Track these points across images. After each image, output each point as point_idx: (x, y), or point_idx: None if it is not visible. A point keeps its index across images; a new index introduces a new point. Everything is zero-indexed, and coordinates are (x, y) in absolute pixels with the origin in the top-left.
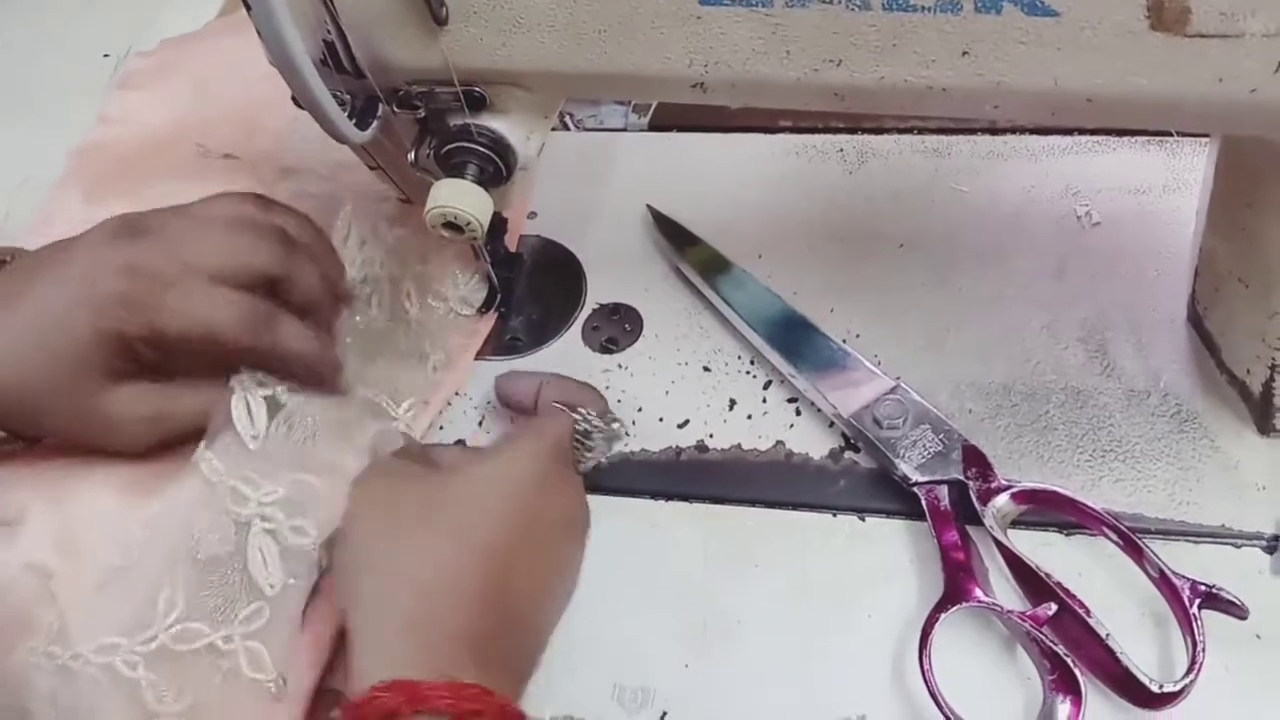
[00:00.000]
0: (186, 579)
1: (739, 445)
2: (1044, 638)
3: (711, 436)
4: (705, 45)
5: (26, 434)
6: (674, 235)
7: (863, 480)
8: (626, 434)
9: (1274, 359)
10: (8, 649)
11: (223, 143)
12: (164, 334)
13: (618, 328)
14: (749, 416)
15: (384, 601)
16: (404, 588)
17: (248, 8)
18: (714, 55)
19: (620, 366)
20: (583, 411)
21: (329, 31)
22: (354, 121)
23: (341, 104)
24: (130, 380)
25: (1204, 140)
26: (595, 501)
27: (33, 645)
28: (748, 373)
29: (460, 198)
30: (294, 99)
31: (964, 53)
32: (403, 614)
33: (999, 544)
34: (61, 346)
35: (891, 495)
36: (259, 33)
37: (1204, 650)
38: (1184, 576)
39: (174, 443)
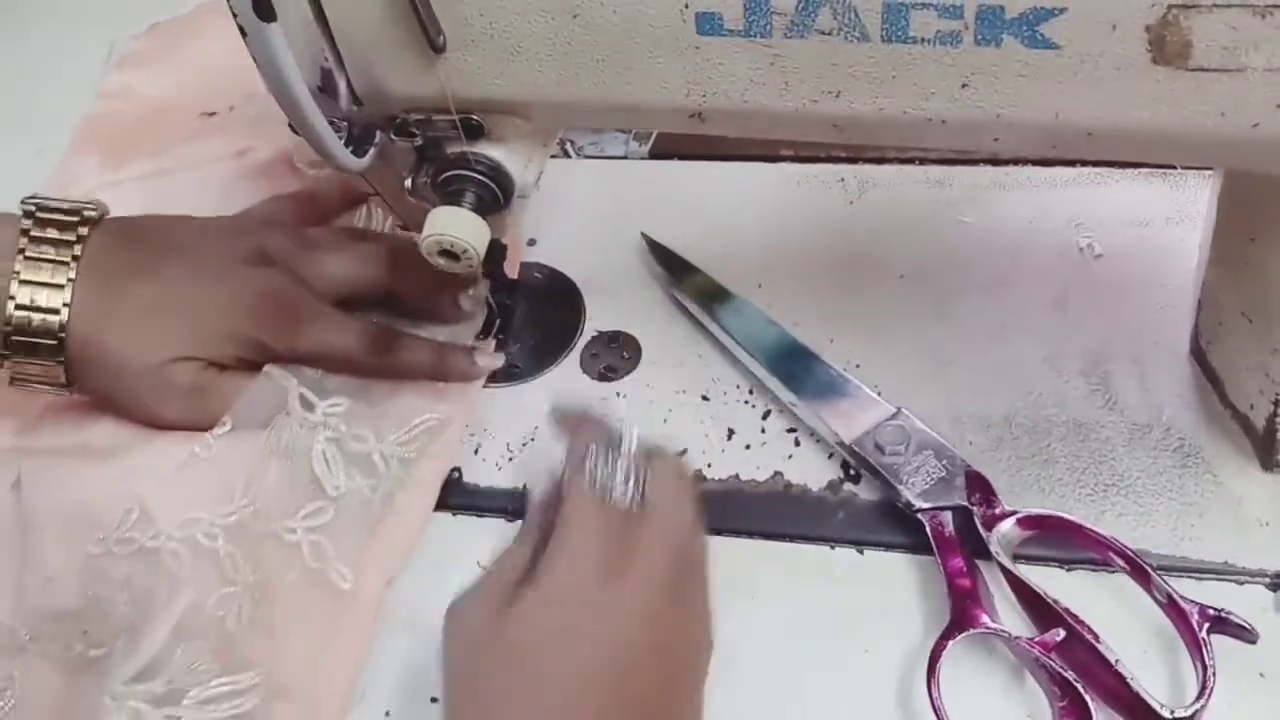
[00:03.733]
0: (261, 470)
1: (737, 475)
2: (1053, 664)
3: (709, 466)
4: (703, 75)
5: (83, 391)
6: (669, 263)
7: (862, 512)
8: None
9: (1277, 394)
10: (79, 546)
11: (225, 105)
12: (298, 353)
13: (616, 355)
14: (747, 446)
15: None
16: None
17: (244, 34)
18: (712, 85)
19: (618, 394)
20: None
21: (326, 59)
22: (351, 149)
23: (338, 131)
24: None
25: (1207, 173)
26: None
27: (101, 536)
28: (746, 402)
29: (457, 225)
30: (290, 125)
31: (963, 85)
32: None
33: (1005, 570)
34: (192, 332)
35: (891, 527)
36: (255, 60)
37: (1214, 674)
38: (1192, 601)
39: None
